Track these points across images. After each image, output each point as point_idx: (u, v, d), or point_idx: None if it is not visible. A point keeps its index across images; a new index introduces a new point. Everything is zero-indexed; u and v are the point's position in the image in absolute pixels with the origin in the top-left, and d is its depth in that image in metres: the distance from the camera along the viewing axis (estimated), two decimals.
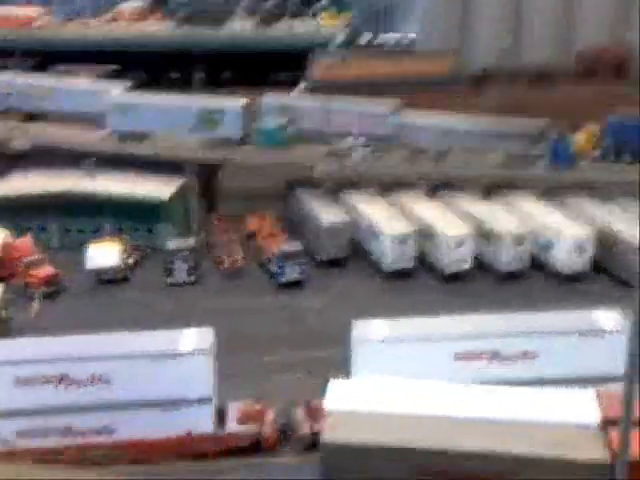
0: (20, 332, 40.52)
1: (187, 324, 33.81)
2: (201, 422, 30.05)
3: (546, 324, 30.25)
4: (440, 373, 28.25)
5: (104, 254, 46.89)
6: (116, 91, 56.00)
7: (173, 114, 52.69)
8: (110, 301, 45.18)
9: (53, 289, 45.78)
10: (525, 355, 29.07)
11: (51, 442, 29.69)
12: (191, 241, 47.99)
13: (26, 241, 47.91)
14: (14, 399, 29.67)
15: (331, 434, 24.55)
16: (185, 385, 29.79)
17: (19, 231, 49.86)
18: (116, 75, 72.44)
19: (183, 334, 31.15)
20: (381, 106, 53.62)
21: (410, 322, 30.89)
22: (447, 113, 53.56)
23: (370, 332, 29.93)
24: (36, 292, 44.95)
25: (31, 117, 57.39)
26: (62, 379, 29.82)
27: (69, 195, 51.01)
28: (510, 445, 24.33)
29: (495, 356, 28.82)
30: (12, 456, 28.71)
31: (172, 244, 47.24)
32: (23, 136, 55.38)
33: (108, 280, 46.82)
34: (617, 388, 22.57)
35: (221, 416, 30.82)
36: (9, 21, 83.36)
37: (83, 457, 29.20)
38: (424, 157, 50.54)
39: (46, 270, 46.18)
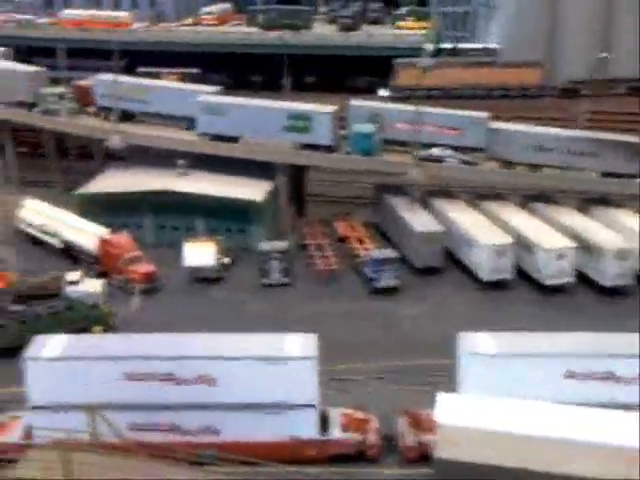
0: (122, 327, 41.03)
1: (282, 326, 33.55)
2: (305, 427, 29.45)
3: None
4: (549, 391, 27.13)
5: (200, 253, 46.83)
6: (207, 94, 55.87)
7: (263, 118, 52.39)
8: (205, 299, 45.07)
9: (151, 285, 45.99)
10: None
11: (159, 437, 29.46)
12: (284, 243, 47.58)
13: (125, 238, 48.09)
14: (124, 393, 29.55)
15: (445, 450, 23.65)
16: (290, 390, 29.19)
17: (114, 228, 50.13)
18: (199, 78, 72.75)
19: (288, 339, 30.53)
20: (472, 115, 52.39)
21: (519, 337, 29.69)
22: (538, 124, 52.16)
23: (480, 346, 28.84)
24: (136, 288, 45.19)
25: (126, 117, 57.84)
26: (169, 377, 29.63)
27: (165, 194, 51.23)
28: (623, 471, 23.11)
29: (610, 377, 27.50)
30: (123, 448, 28.52)
31: (266, 245, 46.93)
32: (118, 135, 55.88)
33: (203, 279, 46.88)
34: None
35: (323, 422, 30.21)
36: (101, 24, 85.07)
37: (189, 455, 28.78)
38: (517, 168, 49.17)
39: (145, 267, 46.45)
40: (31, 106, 59.91)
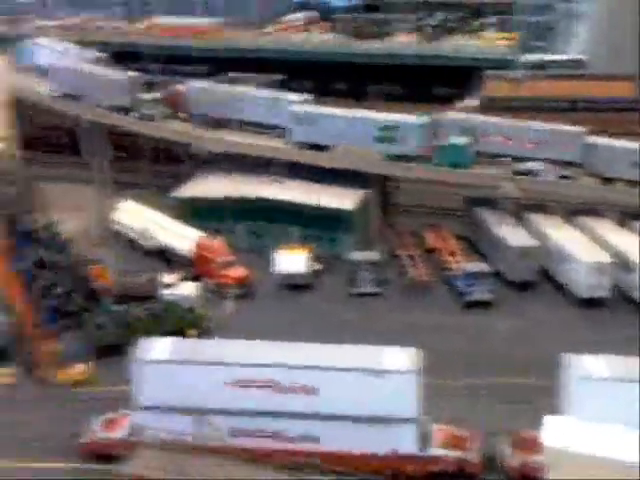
0: (215, 331, 41.95)
1: (372, 337, 33.57)
2: (405, 442, 29.53)
3: None
4: None
5: (292, 260, 47.49)
6: (299, 102, 56.40)
7: (355, 128, 52.56)
8: (296, 306, 45.61)
9: (244, 290, 46.78)
10: None
11: (261, 444, 30.00)
12: (375, 253, 47.71)
13: (219, 242, 48.94)
14: (228, 398, 30.18)
15: (556, 474, 23.42)
16: (391, 403, 29.32)
17: (208, 232, 50.93)
18: (284, 85, 73.45)
19: (390, 351, 30.68)
20: (569, 129, 51.50)
21: (630, 361, 29.08)
22: (631, 139, 50.90)
23: (590, 369, 28.36)
24: (229, 292, 46.03)
25: (217, 124, 58.85)
26: (272, 385, 30.11)
27: (259, 201, 52.06)
28: None
29: None
30: (225, 452, 29.16)
31: (357, 255, 47.14)
32: (208, 142, 56.87)
33: (294, 285, 47.42)
34: None
35: (423, 438, 30.23)
36: (190, 30, 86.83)
37: (290, 463, 29.23)
38: (615, 183, 48.14)
39: (238, 271, 47.26)
40: (127, 111, 61.53)
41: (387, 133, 52.04)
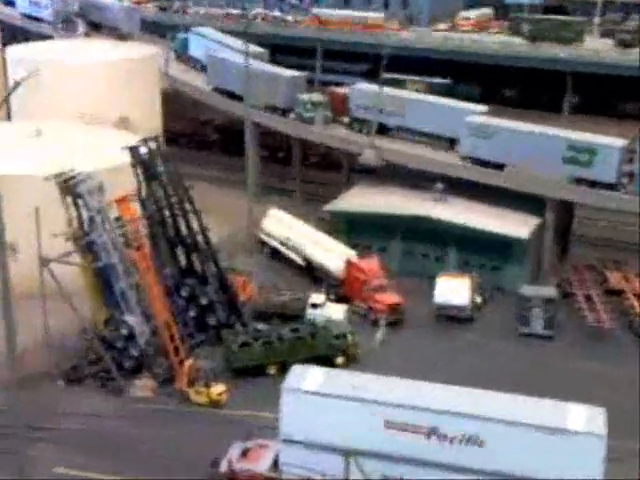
0: (365, 361, 42.31)
1: (542, 386, 32.43)
2: None
3: None
4: None
5: (452, 289, 47.09)
6: (474, 113, 55.87)
7: (538, 145, 51.24)
8: (453, 342, 45.25)
9: (396, 318, 46.79)
10: None
11: None
12: (550, 289, 46.54)
13: (373, 263, 49.24)
14: (381, 441, 30.26)
15: None
16: (570, 467, 28.47)
17: (358, 249, 51.67)
18: (447, 89, 72.88)
19: (570, 408, 29.81)
20: None
21: None
22: None
23: None
24: (381, 319, 46.22)
25: (381, 131, 59.19)
26: (432, 432, 29.96)
27: (419, 219, 51.92)
28: None
29: None
30: None
31: (529, 290, 46.09)
32: (372, 152, 57.39)
33: (452, 317, 47.00)
34: None
35: None
36: (354, 25, 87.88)
37: None
38: None
39: (391, 297, 47.34)
40: (285, 112, 63.07)
41: (578, 155, 50.20)
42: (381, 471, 30.29)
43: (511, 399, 30.77)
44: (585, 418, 29.09)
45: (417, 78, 75.89)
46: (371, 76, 72.34)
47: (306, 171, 68.02)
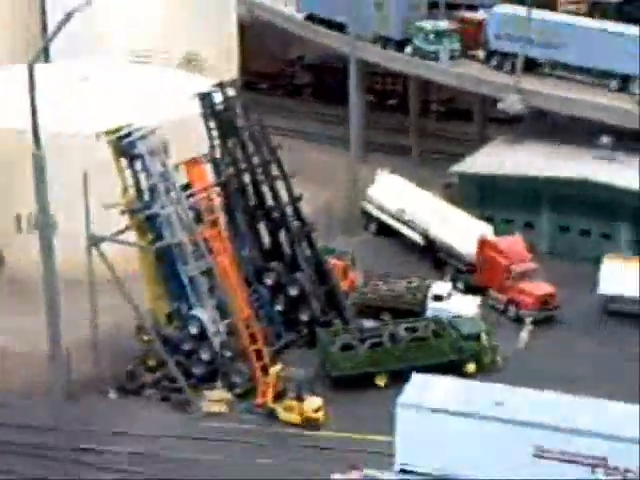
0: (506, 369, 42.65)
1: None
2: None
3: None
4: None
5: (624, 277, 46.89)
6: None
7: None
8: (622, 345, 45.09)
9: (547, 314, 47.03)
10: None
11: None
12: None
13: (516, 242, 49.48)
14: (532, 473, 30.20)
15: None
16: None
17: (495, 225, 52.15)
18: (615, 10, 71.31)
19: None
20: None
21: None
22: None
23: None
24: (528, 315, 46.53)
25: (528, 67, 58.78)
26: (600, 463, 29.78)
27: (577, 184, 52.01)
28: None
29: None
30: None
31: None
32: (516, 96, 57.05)
33: (621, 313, 46.94)
34: None
35: None
36: None
37: None
38: None
39: (542, 287, 47.59)
40: (400, 45, 63.06)
41: None
42: None
43: None
44: None
45: None
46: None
47: (426, 122, 68.71)
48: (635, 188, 50.36)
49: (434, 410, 31.37)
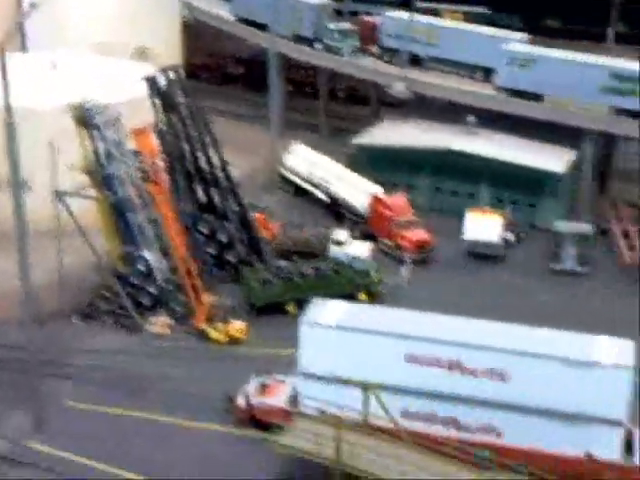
0: (389, 298, 43.06)
1: (573, 324, 32.83)
2: (605, 447, 29.37)
3: None
4: None
5: (483, 226, 47.73)
6: (513, 42, 55.70)
7: (578, 74, 51.21)
8: (482, 280, 45.89)
9: (423, 256, 47.56)
10: None
11: (433, 430, 30.70)
12: (586, 225, 46.93)
13: (400, 199, 49.91)
14: (402, 375, 30.92)
15: None
16: (594, 401, 29.08)
17: (386, 186, 52.15)
18: (486, 19, 72.33)
19: (597, 341, 30.40)
20: None
21: None
22: None
23: None
24: (407, 256, 46.89)
25: (413, 62, 59.19)
26: (454, 365, 30.56)
27: (448, 153, 52.41)
28: None
29: None
30: (396, 435, 30.03)
31: (563, 226, 46.60)
32: (403, 84, 57.52)
33: (482, 255, 47.66)
34: None
35: (629, 446, 29.91)
36: None
37: (465, 454, 29.64)
38: None
39: (419, 234, 48.02)
40: (312, 42, 63.15)
41: (619, 84, 50.15)
42: (401, 405, 31.05)
43: (537, 332, 31.26)
44: (613, 351, 29.61)
45: (453, 7, 75.34)
46: (405, 6, 72.10)
47: (333, 105, 68.43)
48: (492, 156, 51.13)
49: (329, 326, 31.96)
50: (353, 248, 46.89)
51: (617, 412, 29.08)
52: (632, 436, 30.08)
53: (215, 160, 45.91)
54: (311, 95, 71.25)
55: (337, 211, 52.65)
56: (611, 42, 71.26)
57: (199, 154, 45.77)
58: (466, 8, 76.37)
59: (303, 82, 74.60)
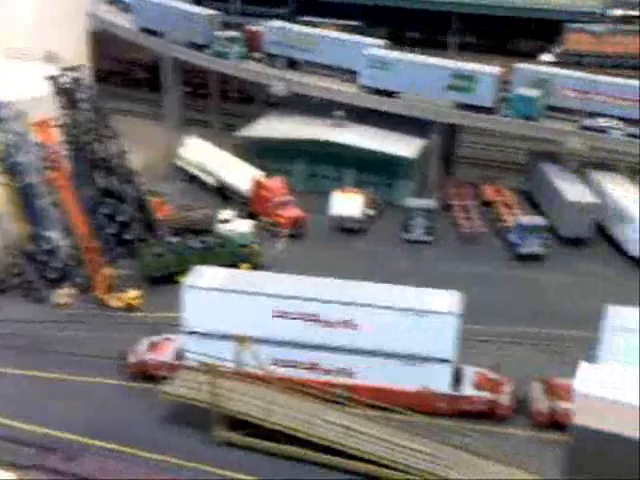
0: (267, 267, 43.18)
1: (420, 282, 34.19)
2: (438, 381, 30.55)
3: None
4: None
5: (347, 203, 48.35)
6: (373, 47, 56.45)
7: (427, 75, 52.26)
8: (347, 249, 46.64)
9: (297, 230, 47.88)
10: None
11: (298, 374, 31.39)
12: (430, 201, 48.25)
13: (277, 182, 50.04)
14: (270, 328, 31.54)
15: (583, 418, 23.99)
16: (428, 343, 30.25)
17: (269, 172, 52.16)
18: (359, 31, 73.10)
19: (432, 293, 31.54)
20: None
21: None
22: None
23: (625, 320, 28.83)
24: (283, 231, 47.25)
25: (291, 65, 59.47)
26: (313, 318, 31.31)
27: (319, 143, 52.81)
28: None
29: None
30: (265, 380, 30.55)
31: (411, 202, 47.76)
32: (282, 84, 57.64)
33: (348, 229, 48.39)
34: None
35: (457, 379, 31.15)
36: None
37: (324, 393, 30.38)
38: None
39: (292, 211, 48.35)
40: (203, 48, 62.41)
41: (460, 82, 51.50)
42: (271, 355, 31.64)
43: (382, 288, 32.26)
44: (443, 301, 30.81)
45: (329, 21, 75.84)
46: (290, 20, 72.38)
47: (224, 104, 67.83)
48: (356, 145, 51.89)
49: (207, 289, 32.31)
50: (237, 225, 46.85)
51: (446, 352, 30.32)
52: (459, 371, 31.37)
53: (113, 150, 45.25)
54: (207, 96, 70.63)
55: (225, 194, 52.49)
56: (455, 49, 72.90)
57: (98, 145, 45.02)
58: (341, 22, 76.77)
59: (200, 84, 73.83)
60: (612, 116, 48.77)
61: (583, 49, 63.95)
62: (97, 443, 29.44)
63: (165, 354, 33.76)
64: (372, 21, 79.84)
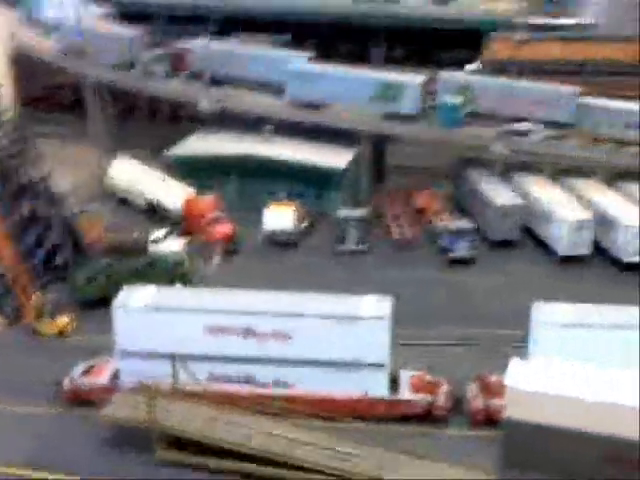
0: (201, 284, 42.82)
1: (355, 291, 34.45)
2: (375, 386, 30.70)
3: None
4: (615, 361, 27.43)
5: (279, 217, 48.45)
6: (297, 61, 56.94)
7: (352, 86, 53.00)
8: (281, 262, 46.59)
9: (230, 246, 47.69)
10: None
11: (234, 388, 31.14)
12: (362, 211, 48.69)
13: (209, 199, 49.96)
14: (204, 344, 31.24)
15: (514, 412, 24.45)
16: (362, 349, 30.37)
17: (201, 189, 52.11)
18: (289, 45, 73.63)
19: (363, 300, 31.72)
20: (561, 89, 51.96)
21: (590, 308, 30.38)
22: (632, 101, 51.22)
23: (552, 315, 29.57)
24: (215, 248, 47.01)
25: (217, 82, 59.39)
26: (247, 332, 31.18)
27: (249, 158, 52.81)
28: None
29: None
30: (202, 396, 30.28)
31: (343, 212, 48.14)
32: (207, 100, 57.57)
33: (281, 242, 48.39)
34: None
35: (394, 383, 31.37)
36: None
37: (262, 405, 30.27)
38: (603, 144, 48.83)
39: (225, 227, 48.19)
40: (129, 68, 62.11)
41: (384, 92, 52.36)
42: (207, 370, 31.36)
43: (315, 297, 32.26)
44: (374, 306, 31.03)
45: (259, 37, 76.03)
46: (220, 37, 72.30)
47: (154, 124, 67.46)
48: (286, 158, 52.07)
49: (137, 308, 31.98)
50: (169, 244, 46.59)
51: (381, 356, 30.52)
52: (395, 375, 31.62)
53: (36, 174, 44.44)
54: (137, 116, 70.03)
55: (156, 213, 52.01)
56: (382, 62, 73.94)
57: (21, 170, 44.16)
58: (270, 37, 77.00)
59: (129, 105, 73.36)
60: (532, 120, 50.14)
61: (504, 57, 65.43)
62: (39, 475, 28.69)
63: (101, 377, 33.15)
64: (301, 36, 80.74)
